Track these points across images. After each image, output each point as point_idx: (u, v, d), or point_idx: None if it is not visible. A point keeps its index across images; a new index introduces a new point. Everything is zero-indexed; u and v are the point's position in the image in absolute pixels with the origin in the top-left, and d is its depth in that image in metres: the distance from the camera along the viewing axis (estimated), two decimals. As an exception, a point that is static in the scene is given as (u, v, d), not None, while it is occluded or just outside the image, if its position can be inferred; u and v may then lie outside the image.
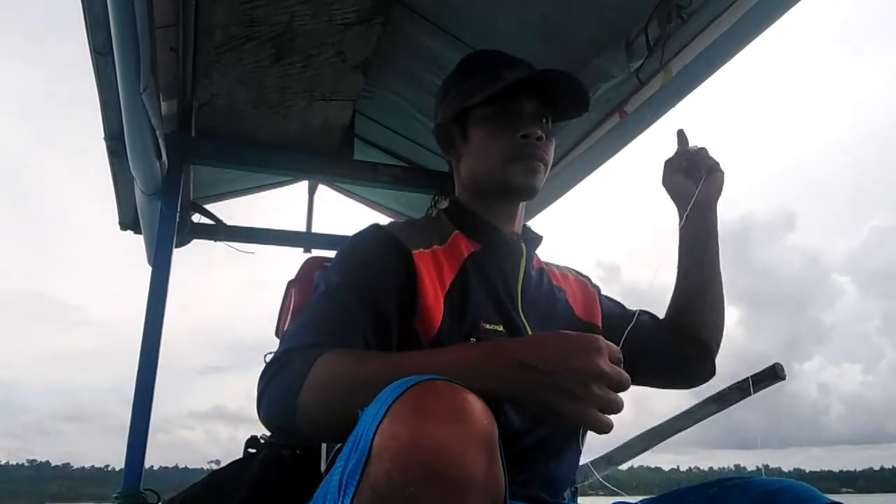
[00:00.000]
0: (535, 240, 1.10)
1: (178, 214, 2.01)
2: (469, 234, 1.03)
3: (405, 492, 0.51)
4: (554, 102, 1.04)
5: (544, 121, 1.04)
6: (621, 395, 0.66)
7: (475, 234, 1.03)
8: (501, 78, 1.01)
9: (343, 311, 0.85)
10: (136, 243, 2.42)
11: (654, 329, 1.14)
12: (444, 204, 1.15)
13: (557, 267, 1.16)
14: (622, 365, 0.67)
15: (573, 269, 1.18)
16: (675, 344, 1.13)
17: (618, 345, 0.68)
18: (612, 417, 0.65)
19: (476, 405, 0.56)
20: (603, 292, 1.17)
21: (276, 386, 0.77)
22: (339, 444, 0.91)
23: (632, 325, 1.06)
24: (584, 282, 1.16)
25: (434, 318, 0.89)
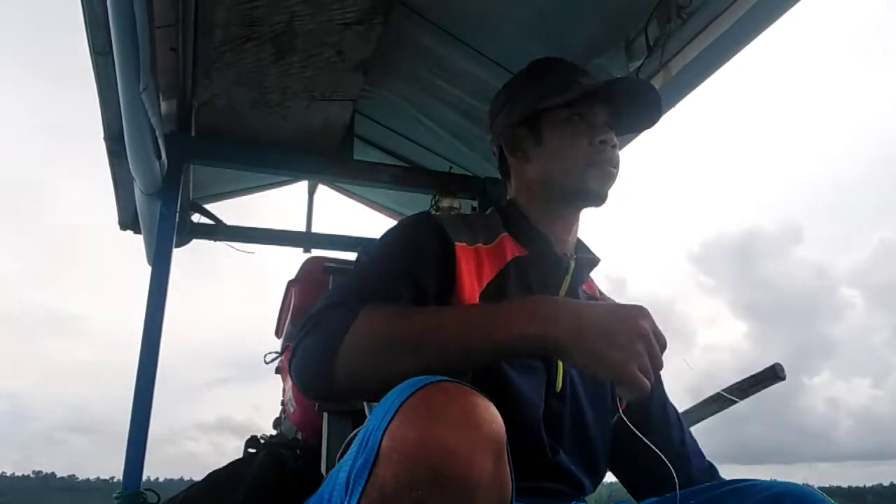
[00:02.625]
0: (590, 261, 1.07)
1: (177, 214, 2.01)
2: (517, 238, 1.02)
3: (412, 494, 0.51)
4: (622, 114, 1.05)
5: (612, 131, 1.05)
6: None
7: (524, 239, 1.02)
8: (577, 83, 1.02)
9: (383, 280, 0.85)
10: (136, 243, 2.42)
11: (662, 427, 1.03)
12: (448, 203, 1.16)
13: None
14: (664, 345, 0.71)
15: None
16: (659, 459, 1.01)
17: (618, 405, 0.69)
18: None
19: (485, 408, 0.56)
20: None
21: (316, 337, 0.76)
22: (341, 445, 0.91)
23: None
24: None
25: None
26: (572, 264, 1.02)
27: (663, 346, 0.71)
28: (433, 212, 2.39)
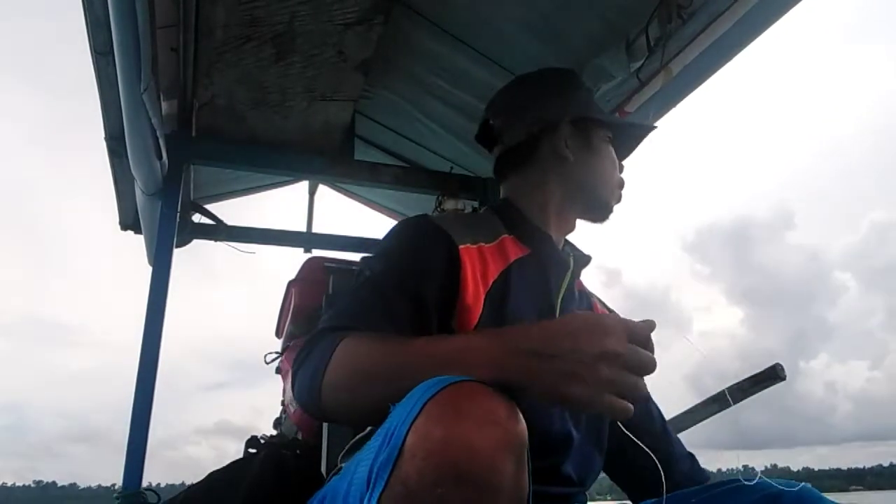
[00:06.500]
0: (583, 259, 1.09)
1: (178, 214, 2.01)
2: (519, 237, 1.02)
3: (436, 491, 0.51)
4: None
5: None
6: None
7: (526, 238, 1.03)
8: (602, 110, 1.19)
9: (381, 299, 0.84)
10: (136, 243, 2.42)
11: (648, 429, 1.04)
12: (452, 205, 1.18)
13: (599, 300, 1.18)
14: (650, 347, 0.64)
15: (608, 308, 1.19)
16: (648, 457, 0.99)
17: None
18: None
19: (509, 409, 0.56)
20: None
21: (306, 367, 0.78)
22: (343, 446, 0.91)
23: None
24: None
25: (472, 316, 0.88)
26: (572, 263, 1.04)
27: (644, 342, 0.64)
28: (437, 213, 2.38)
